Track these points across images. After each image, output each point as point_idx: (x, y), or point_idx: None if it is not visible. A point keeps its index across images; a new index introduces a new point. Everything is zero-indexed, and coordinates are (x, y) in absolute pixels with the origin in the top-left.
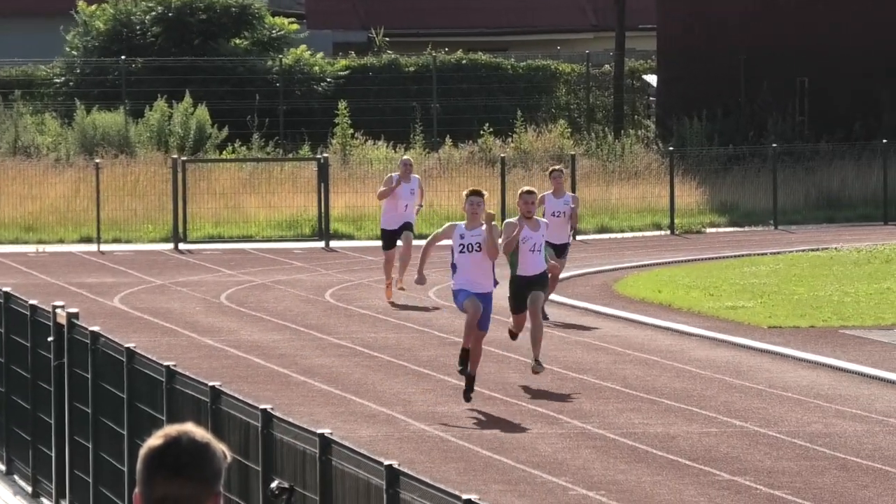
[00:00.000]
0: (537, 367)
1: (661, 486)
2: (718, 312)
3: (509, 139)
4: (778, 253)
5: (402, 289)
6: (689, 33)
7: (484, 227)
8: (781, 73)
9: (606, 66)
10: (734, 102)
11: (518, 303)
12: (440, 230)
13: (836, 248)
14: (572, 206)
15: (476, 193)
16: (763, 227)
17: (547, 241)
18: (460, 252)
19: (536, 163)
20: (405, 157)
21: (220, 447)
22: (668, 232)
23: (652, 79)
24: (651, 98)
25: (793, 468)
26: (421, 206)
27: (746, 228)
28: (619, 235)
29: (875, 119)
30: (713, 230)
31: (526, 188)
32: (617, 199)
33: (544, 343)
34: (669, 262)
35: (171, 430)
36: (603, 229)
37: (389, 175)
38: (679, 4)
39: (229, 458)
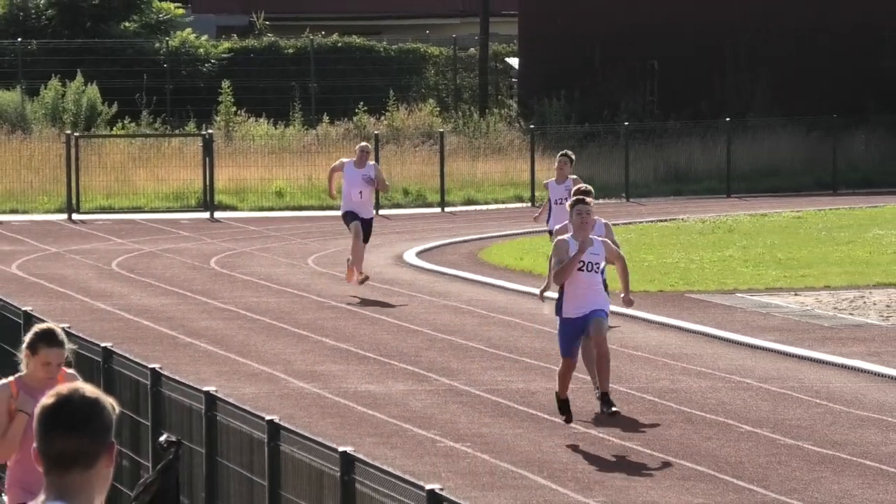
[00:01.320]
0: (605, 408)
1: (522, 438)
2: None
3: (382, 117)
4: (630, 223)
5: (366, 279)
6: (548, 19)
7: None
8: (634, 56)
9: (472, 49)
10: (591, 84)
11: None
12: (554, 258)
13: (682, 219)
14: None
15: (582, 201)
16: (616, 200)
17: (549, 231)
18: (578, 269)
19: (408, 139)
20: (363, 143)
21: (109, 401)
22: (530, 204)
23: (514, 61)
24: (513, 80)
25: (642, 421)
26: (387, 188)
27: (601, 201)
28: (484, 207)
29: (720, 99)
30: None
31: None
32: (482, 174)
33: (420, 308)
34: (530, 232)
35: (63, 388)
36: (469, 201)
37: (340, 160)
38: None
39: (118, 411)
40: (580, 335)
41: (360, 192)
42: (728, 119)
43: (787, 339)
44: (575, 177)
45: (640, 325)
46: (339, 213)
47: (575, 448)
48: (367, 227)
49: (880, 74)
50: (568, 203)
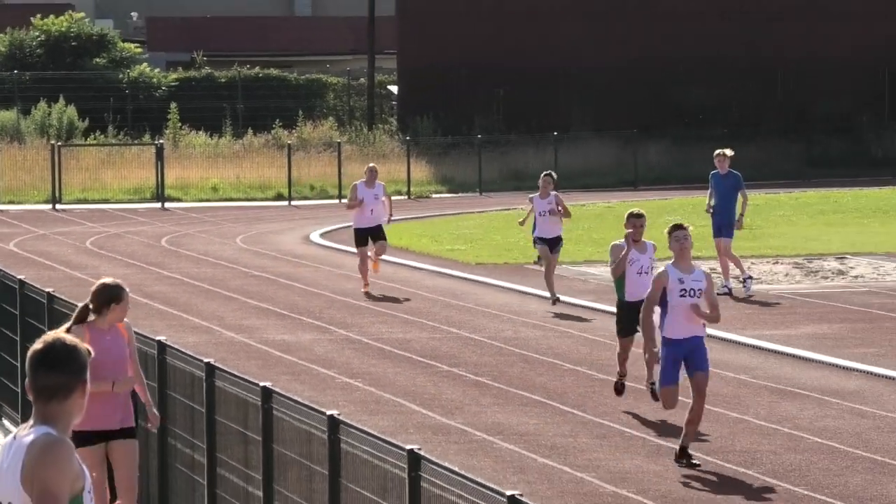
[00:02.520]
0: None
1: (401, 376)
2: (441, 253)
3: (293, 130)
4: (482, 211)
5: (367, 293)
6: (421, 56)
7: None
8: (486, 84)
9: (362, 79)
10: (453, 105)
11: (625, 325)
12: (653, 289)
13: (521, 208)
14: (555, 203)
15: (680, 227)
16: (472, 194)
17: (541, 238)
18: (680, 296)
19: (313, 147)
20: (371, 164)
21: (85, 347)
22: (406, 197)
23: (394, 88)
24: (394, 102)
25: (491, 362)
26: (391, 218)
27: (460, 194)
28: None
29: (549, 117)
30: (437, 196)
31: (635, 211)
32: (430, 173)
33: (323, 276)
34: (407, 219)
35: (48, 336)
36: (340, 195)
37: (354, 184)
38: (413, 34)
39: (93, 355)
40: (681, 360)
41: (372, 209)
42: (555, 133)
43: (600, 299)
44: (556, 193)
45: (491, 289)
46: (258, 202)
47: (438, 383)
48: (379, 234)
49: (669, 98)
50: (665, 230)
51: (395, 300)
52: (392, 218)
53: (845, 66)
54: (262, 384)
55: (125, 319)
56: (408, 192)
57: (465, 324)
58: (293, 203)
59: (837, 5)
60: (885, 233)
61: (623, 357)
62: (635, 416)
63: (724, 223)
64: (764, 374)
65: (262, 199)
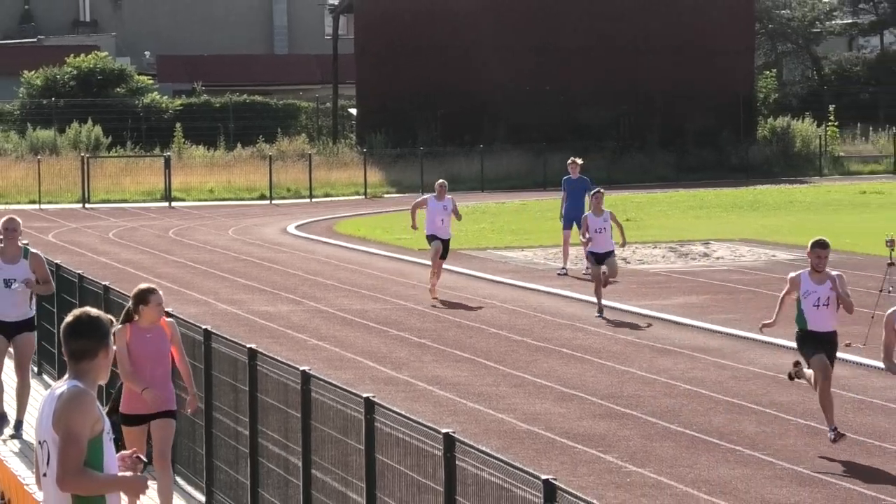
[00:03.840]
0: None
1: (359, 339)
2: (391, 241)
3: (273, 144)
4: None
5: (435, 298)
6: (375, 84)
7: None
8: (428, 107)
9: (328, 103)
10: (401, 123)
11: (810, 349)
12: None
13: (465, 206)
14: (611, 221)
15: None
16: (416, 194)
17: (592, 252)
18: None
19: (289, 158)
20: (441, 180)
21: (107, 318)
22: (364, 196)
23: (354, 111)
24: (353, 122)
25: (431, 328)
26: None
27: (407, 194)
28: (337, 199)
29: (478, 133)
30: (388, 196)
31: (818, 238)
32: (335, 178)
33: (297, 260)
34: (364, 214)
35: (77, 311)
36: (327, 195)
37: (423, 197)
38: (369, 68)
39: (114, 322)
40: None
41: (442, 220)
42: (481, 145)
43: (518, 277)
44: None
45: (428, 269)
46: (246, 202)
47: (389, 345)
48: (446, 246)
49: (570, 117)
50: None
51: (355, 279)
52: (459, 221)
53: (710, 93)
54: (248, 346)
55: (169, 319)
56: (365, 193)
57: (411, 297)
58: (273, 202)
59: (704, 43)
60: (741, 223)
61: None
62: (546, 370)
63: (575, 217)
64: (646, 335)
65: (248, 199)
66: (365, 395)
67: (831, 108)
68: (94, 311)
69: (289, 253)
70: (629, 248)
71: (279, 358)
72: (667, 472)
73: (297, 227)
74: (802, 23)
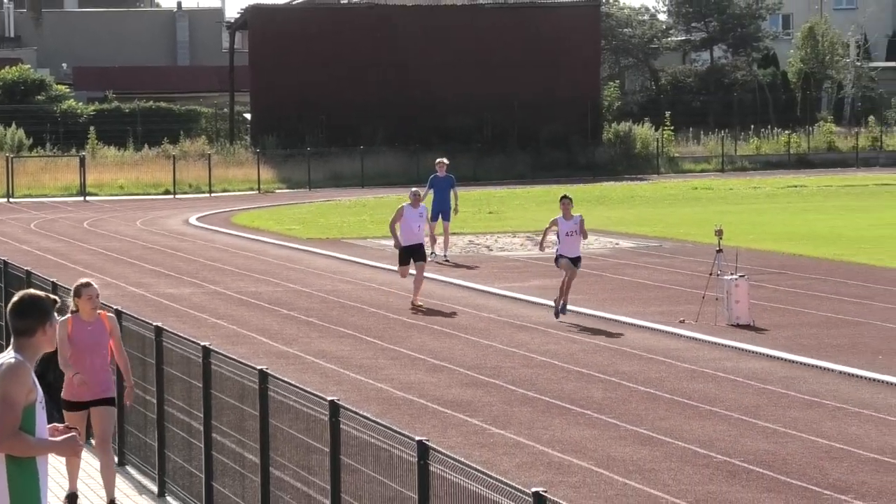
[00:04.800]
0: None
1: (254, 318)
2: (282, 231)
3: (177, 145)
4: (311, 202)
5: (420, 305)
6: (267, 92)
7: None
8: (312, 112)
9: (225, 108)
10: (290, 127)
11: (561, 259)
12: None
13: (339, 200)
14: (580, 225)
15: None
16: (303, 190)
17: (563, 255)
18: (567, 236)
19: (191, 157)
20: (414, 188)
21: (51, 298)
22: (257, 192)
23: (248, 115)
24: (248, 125)
25: (317, 307)
26: (456, 210)
27: (295, 190)
28: (234, 193)
29: (358, 136)
30: (279, 191)
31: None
32: (232, 175)
33: (198, 248)
34: (257, 207)
35: (22, 292)
36: (224, 190)
37: (401, 206)
38: (261, 78)
39: (58, 302)
40: None
41: (419, 226)
42: (362, 147)
43: (394, 263)
44: (580, 215)
45: (317, 256)
46: (152, 196)
47: (280, 323)
48: (420, 250)
49: (441, 122)
50: None
51: (249, 264)
52: (457, 210)
53: (561, 101)
54: (154, 324)
55: (110, 314)
56: (258, 188)
57: (299, 281)
58: (177, 196)
59: (556, 58)
60: (588, 215)
61: None
62: (419, 344)
63: (444, 210)
64: (506, 313)
65: (154, 194)
66: (259, 367)
67: (667, 114)
68: (36, 292)
69: (190, 242)
70: (492, 236)
71: (182, 335)
72: (525, 434)
73: (198, 219)
74: (642, 40)
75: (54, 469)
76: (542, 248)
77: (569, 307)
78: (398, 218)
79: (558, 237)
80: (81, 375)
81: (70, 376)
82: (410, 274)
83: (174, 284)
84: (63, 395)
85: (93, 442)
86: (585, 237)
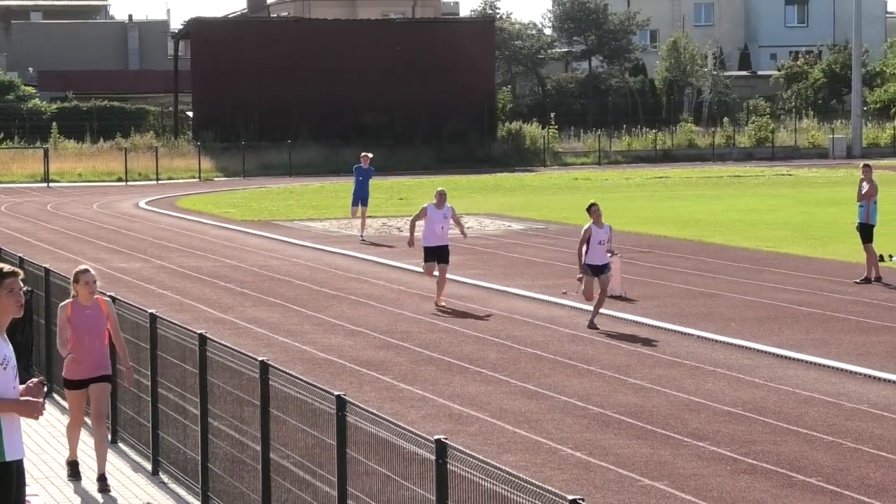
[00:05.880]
0: None
1: (195, 289)
2: (220, 213)
3: (128, 139)
4: (245, 189)
5: (443, 306)
6: (207, 93)
7: None
8: (241, 110)
9: (171, 108)
10: (227, 123)
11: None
12: None
13: (268, 188)
14: (610, 235)
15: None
16: (239, 178)
17: (589, 265)
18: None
19: (140, 150)
20: (440, 188)
21: (8, 269)
22: (198, 179)
23: (191, 113)
24: (190, 122)
25: (250, 280)
26: (464, 234)
27: (233, 178)
28: (178, 181)
29: (285, 132)
30: (218, 179)
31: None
32: (176, 166)
33: (147, 227)
34: (198, 192)
35: None
36: (170, 178)
37: (425, 205)
38: (202, 80)
39: (18, 273)
40: None
41: (441, 227)
42: (289, 140)
43: (318, 242)
44: (609, 225)
45: (250, 236)
46: (107, 183)
47: (217, 293)
48: (445, 252)
49: (358, 120)
50: None
51: (195, 243)
52: (464, 234)
53: (462, 103)
54: (108, 294)
55: (106, 298)
56: (199, 177)
57: (235, 257)
58: (128, 184)
59: (457, 66)
60: (485, 201)
61: None
62: (339, 312)
63: (363, 196)
64: (415, 286)
65: (109, 181)
66: (199, 331)
67: (552, 115)
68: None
69: (140, 223)
70: (402, 219)
71: (132, 303)
72: (430, 389)
73: (147, 203)
74: (531, 51)
75: (54, 439)
76: (579, 256)
77: (468, 280)
78: (421, 216)
79: (588, 244)
80: (75, 355)
81: (66, 356)
82: (434, 275)
83: (126, 260)
84: (64, 374)
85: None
86: (612, 252)
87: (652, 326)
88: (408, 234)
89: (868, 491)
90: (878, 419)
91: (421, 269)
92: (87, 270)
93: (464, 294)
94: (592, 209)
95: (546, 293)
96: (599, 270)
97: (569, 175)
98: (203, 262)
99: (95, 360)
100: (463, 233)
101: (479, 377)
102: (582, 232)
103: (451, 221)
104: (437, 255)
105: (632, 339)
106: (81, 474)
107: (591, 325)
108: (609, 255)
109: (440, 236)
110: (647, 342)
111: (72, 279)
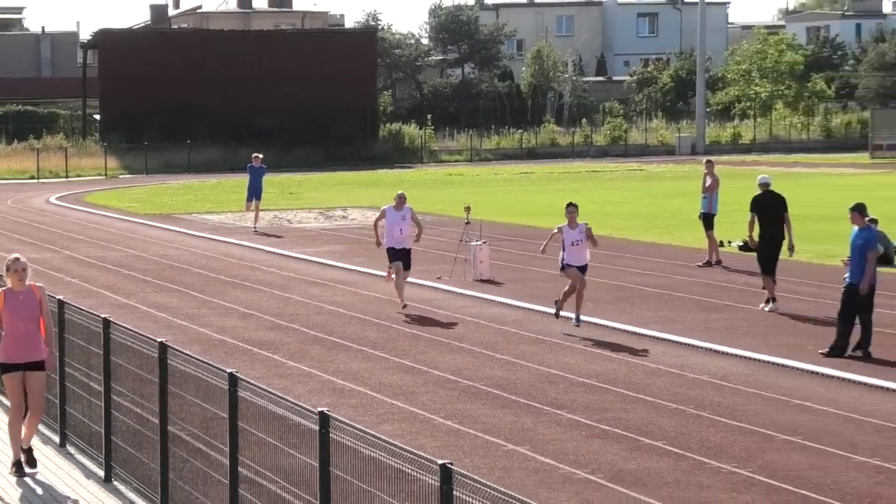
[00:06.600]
0: None
1: (101, 276)
2: (124, 207)
3: (41, 140)
4: (147, 185)
5: (406, 306)
6: (113, 97)
7: None
8: (150, 113)
9: (80, 111)
10: (133, 125)
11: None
12: None
13: (169, 184)
14: (586, 233)
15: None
16: (142, 175)
17: (570, 264)
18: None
19: (53, 151)
20: (400, 191)
21: None
22: (104, 176)
23: (98, 116)
24: (98, 124)
25: (153, 269)
26: (417, 238)
27: (136, 175)
28: (86, 178)
29: (188, 131)
30: (123, 176)
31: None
32: (84, 164)
33: (57, 221)
34: (105, 189)
35: None
36: (78, 175)
37: (383, 208)
38: (109, 86)
39: None
40: None
41: (401, 229)
42: (189, 141)
43: (214, 233)
44: (586, 223)
45: (152, 228)
46: (21, 181)
47: (121, 280)
48: (407, 257)
49: (252, 122)
50: None
51: (102, 235)
52: (419, 239)
53: (347, 106)
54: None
55: (39, 285)
56: (105, 174)
57: (138, 248)
58: (40, 181)
59: (343, 73)
60: (368, 195)
61: None
62: (233, 297)
63: (257, 192)
64: (303, 272)
65: (22, 179)
66: (103, 315)
67: (429, 117)
68: None
69: (50, 216)
70: (292, 212)
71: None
72: (316, 366)
73: (57, 199)
74: (409, 59)
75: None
76: (543, 251)
77: (352, 267)
78: (381, 217)
79: (563, 245)
80: (7, 338)
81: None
82: (392, 278)
83: (37, 251)
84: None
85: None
86: (595, 244)
87: (517, 307)
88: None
89: (708, 453)
90: (718, 388)
91: (377, 272)
92: (17, 259)
93: (349, 280)
94: (568, 208)
95: (422, 278)
96: (582, 271)
97: (444, 171)
98: (108, 253)
99: (28, 345)
100: (418, 236)
101: (360, 355)
102: (553, 231)
103: (411, 223)
104: (399, 256)
105: (499, 318)
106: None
107: (576, 323)
108: (476, 243)
109: (399, 239)
110: (513, 321)
111: (4, 268)
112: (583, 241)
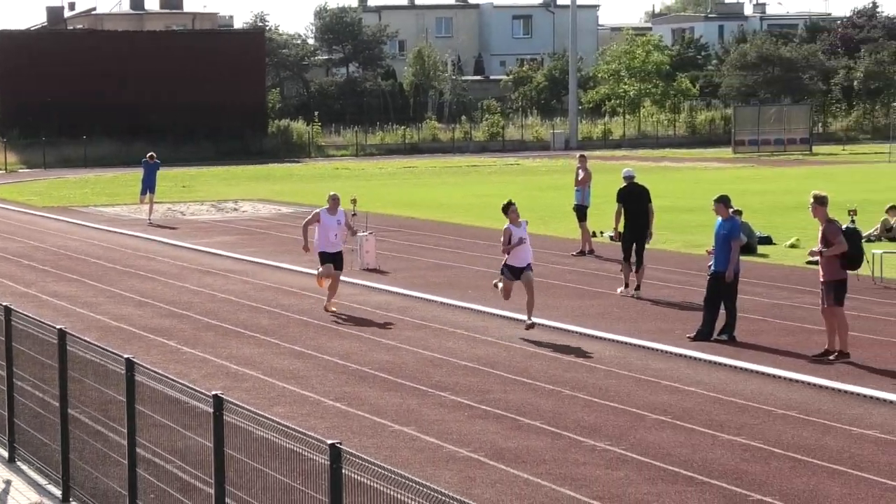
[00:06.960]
0: None
1: (2, 267)
2: (23, 201)
3: None
4: (45, 178)
5: (334, 311)
6: (12, 96)
7: None
8: (52, 110)
9: None
10: (32, 122)
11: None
12: None
13: (67, 178)
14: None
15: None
16: (41, 169)
17: (510, 266)
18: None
19: None
20: (332, 192)
21: None
22: (4, 171)
23: None
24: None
25: (51, 258)
26: (345, 241)
27: (35, 170)
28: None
29: (91, 126)
30: (22, 171)
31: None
32: (7, 161)
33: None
34: (4, 183)
35: None
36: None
37: (316, 211)
38: (7, 86)
39: None
40: None
41: (335, 234)
42: (85, 136)
43: (110, 225)
44: (526, 220)
45: (51, 220)
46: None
47: (22, 270)
48: (339, 259)
49: (146, 120)
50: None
51: (50, 239)
52: (346, 243)
53: (238, 104)
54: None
55: None
56: (5, 169)
57: (37, 239)
58: None
59: (233, 73)
60: (258, 188)
61: None
62: (129, 286)
63: (151, 186)
64: (196, 262)
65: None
66: (4, 303)
67: (316, 113)
68: None
69: None
70: (185, 205)
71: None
72: (210, 352)
73: None
74: (296, 58)
75: None
76: (504, 252)
77: (243, 257)
78: (313, 221)
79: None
80: None
81: None
82: (326, 282)
83: None
84: None
85: None
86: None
87: (402, 294)
88: (303, 240)
89: (583, 431)
90: (591, 370)
91: (316, 272)
92: None
93: (238, 269)
94: (511, 209)
95: (312, 267)
96: (519, 273)
97: (331, 165)
98: (8, 244)
99: None
100: (348, 239)
101: (253, 341)
102: (503, 234)
103: (344, 227)
104: (333, 259)
105: (385, 305)
106: None
107: (530, 326)
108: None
109: (334, 243)
110: (399, 308)
111: None
112: (527, 238)
